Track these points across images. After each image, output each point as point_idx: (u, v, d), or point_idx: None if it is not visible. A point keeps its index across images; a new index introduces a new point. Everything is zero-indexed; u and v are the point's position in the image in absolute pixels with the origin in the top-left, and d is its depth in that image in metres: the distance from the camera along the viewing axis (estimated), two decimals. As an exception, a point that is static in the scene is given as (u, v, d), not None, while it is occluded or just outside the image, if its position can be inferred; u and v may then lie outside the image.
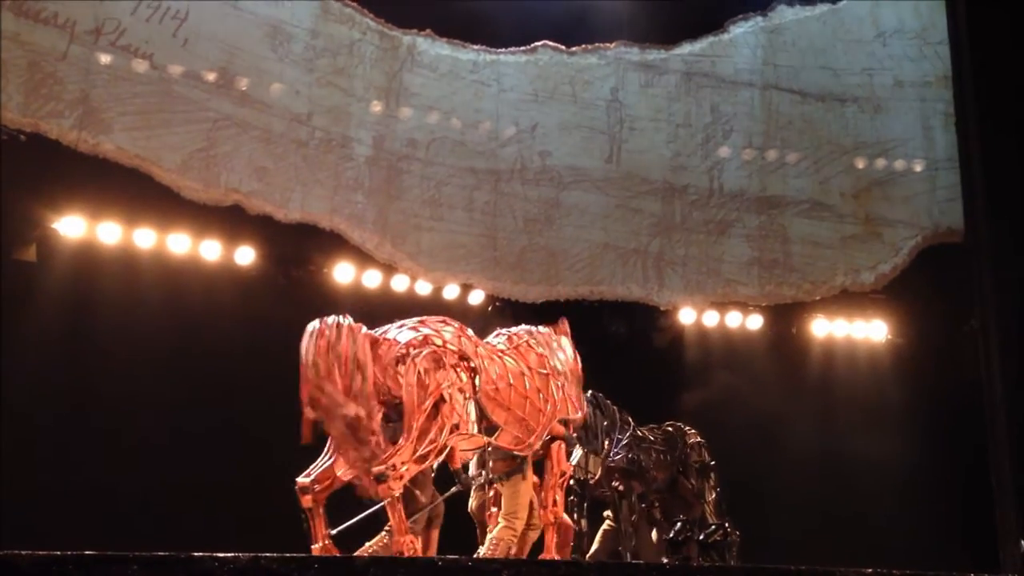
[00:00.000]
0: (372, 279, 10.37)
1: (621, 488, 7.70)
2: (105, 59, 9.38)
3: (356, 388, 4.97)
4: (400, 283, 10.50)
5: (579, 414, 6.15)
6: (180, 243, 9.62)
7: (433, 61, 10.97)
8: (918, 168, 11.88)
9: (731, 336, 11.52)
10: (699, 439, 8.31)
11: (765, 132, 11.73)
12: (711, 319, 11.43)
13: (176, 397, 9.05)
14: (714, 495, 8.17)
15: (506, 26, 11.08)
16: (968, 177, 10.44)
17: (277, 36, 10.24)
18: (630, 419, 7.79)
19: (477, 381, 5.45)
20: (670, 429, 8.25)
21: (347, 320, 5.13)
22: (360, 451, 4.96)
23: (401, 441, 5.03)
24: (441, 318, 5.64)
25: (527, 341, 5.96)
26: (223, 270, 9.79)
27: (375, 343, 5.20)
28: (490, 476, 5.86)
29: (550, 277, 10.95)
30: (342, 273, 10.28)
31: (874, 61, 12.04)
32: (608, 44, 11.57)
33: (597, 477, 7.42)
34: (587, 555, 7.35)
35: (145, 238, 9.51)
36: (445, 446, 5.25)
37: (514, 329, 6.10)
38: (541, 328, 6.16)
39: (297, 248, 10.19)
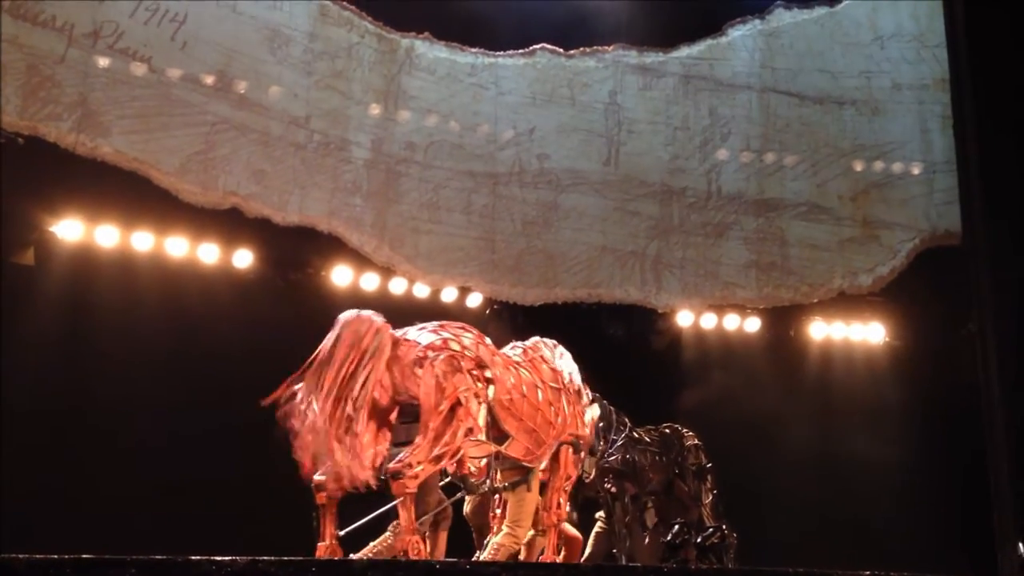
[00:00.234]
0: (370, 282, 10.38)
1: (614, 489, 7.70)
2: (103, 62, 9.38)
3: (361, 377, 5.05)
4: (398, 286, 10.51)
5: (588, 431, 6.25)
6: (178, 246, 9.63)
7: (431, 64, 10.98)
8: (916, 171, 11.90)
9: (729, 338, 11.52)
10: (696, 441, 8.31)
11: (763, 135, 11.74)
12: (709, 321, 11.44)
13: (174, 400, 9.04)
14: (711, 497, 8.17)
15: (504, 29, 11.09)
16: (966, 180, 10.43)
17: (275, 39, 10.24)
18: (626, 420, 7.79)
19: (491, 389, 5.54)
20: (667, 431, 8.25)
21: (379, 318, 5.27)
22: (341, 445, 5.00)
23: (418, 440, 5.14)
24: (461, 324, 5.75)
25: (541, 355, 6.08)
26: (221, 273, 9.79)
27: (396, 343, 5.32)
28: (495, 484, 5.89)
29: (548, 280, 10.96)
30: (340, 276, 10.29)
31: (872, 64, 12.05)
32: (606, 47, 11.59)
33: (592, 477, 7.42)
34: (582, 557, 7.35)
35: (143, 241, 9.51)
36: (459, 449, 5.34)
37: (529, 342, 6.19)
38: (549, 341, 6.26)
39: (295, 251, 10.19)
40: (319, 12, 10.52)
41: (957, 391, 10.42)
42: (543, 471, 5.99)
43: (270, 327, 9.35)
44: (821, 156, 11.81)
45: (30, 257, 9.19)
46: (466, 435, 5.30)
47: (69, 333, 8.91)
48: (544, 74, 11.36)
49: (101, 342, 9.02)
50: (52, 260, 9.20)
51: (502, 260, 10.88)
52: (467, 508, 6.32)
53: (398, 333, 5.41)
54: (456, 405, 5.26)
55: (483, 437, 5.50)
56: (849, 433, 11.06)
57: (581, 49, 11.51)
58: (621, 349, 11.18)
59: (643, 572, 6.11)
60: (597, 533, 7.85)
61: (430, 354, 5.30)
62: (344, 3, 10.65)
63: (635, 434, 7.87)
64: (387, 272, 10.44)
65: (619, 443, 7.62)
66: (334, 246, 10.27)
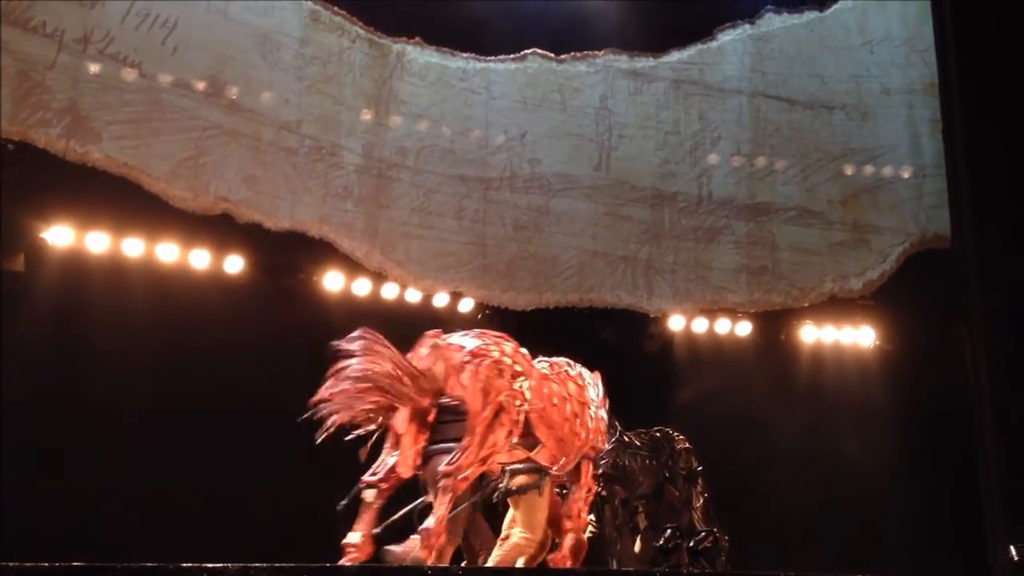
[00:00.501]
0: (362, 287, 10.37)
1: (605, 493, 7.70)
2: (94, 68, 9.35)
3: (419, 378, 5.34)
4: (390, 291, 10.50)
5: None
6: (169, 252, 9.60)
7: (422, 69, 10.99)
8: (905, 175, 11.94)
9: (720, 343, 11.53)
10: (687, 445, 8.29)
11: (753, 139, 11.77)
12: (700, 326, 11.45)
13: (166, 406, 9.03)
14: (702, 501, 8.16)
15: (495, 34, 11.10)
16: (955, 183, 10.51)
17: (267, 44, 10.24)
18: (617, 424, 7.79)
19: (528, 396, 5.76)
20: (658, 435, 8.22)
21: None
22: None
23: (464, 442, 5.35)
24: (500, 334, 5.96)
25: (566, 370, 6.25)
26: (212, 279, 9.77)
27: (439, 348, 5.55)
28: (507, 488, 5.94)
29: (540, 285, 10.97)
30: (331, 281, 10.27)
31: (861, 68, 12.10)
32: (597, 52, 11.60)
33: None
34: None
35: (134, 247, 9.48)
36: (500, 451, 5.57)
37: (555, 359, 6.36)
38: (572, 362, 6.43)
39: (286, 256, 10.18)
40: (310, 17, 10.52)
41: (947, 393, 10.48)
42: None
43: (262, 333, 9.34)
44: (811, 160, 11.85)
45: (20, 264, 9.16)
46: (507, 439, 5.54)
47: (59, 340, 8.88)
48: (535, 79, 11.37)
49: (92, 349, 8.99)
50: (42, 266, 9.17)
51: (493, 265, 10.89)
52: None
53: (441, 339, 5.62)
54: (500, 410, 5.49)
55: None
56: (840, 436, 11.07)
57: (572, 54, 11.52)
58: (612, 354, 11.17)
59: (634, 577, 6.12)
60: (587, 538, 7.84)
61: (474, 359, 5.52)
62: (335, 8, 10.65)
63: (625, 438, 7.86)
64: (379, 277, 10.43)
65: (609, 447, 7.62)
66: (325, 251, 10.26)
